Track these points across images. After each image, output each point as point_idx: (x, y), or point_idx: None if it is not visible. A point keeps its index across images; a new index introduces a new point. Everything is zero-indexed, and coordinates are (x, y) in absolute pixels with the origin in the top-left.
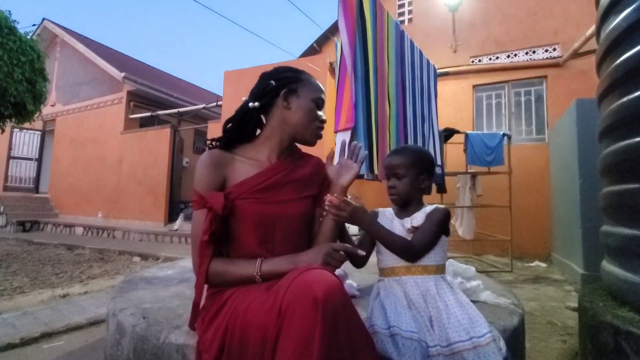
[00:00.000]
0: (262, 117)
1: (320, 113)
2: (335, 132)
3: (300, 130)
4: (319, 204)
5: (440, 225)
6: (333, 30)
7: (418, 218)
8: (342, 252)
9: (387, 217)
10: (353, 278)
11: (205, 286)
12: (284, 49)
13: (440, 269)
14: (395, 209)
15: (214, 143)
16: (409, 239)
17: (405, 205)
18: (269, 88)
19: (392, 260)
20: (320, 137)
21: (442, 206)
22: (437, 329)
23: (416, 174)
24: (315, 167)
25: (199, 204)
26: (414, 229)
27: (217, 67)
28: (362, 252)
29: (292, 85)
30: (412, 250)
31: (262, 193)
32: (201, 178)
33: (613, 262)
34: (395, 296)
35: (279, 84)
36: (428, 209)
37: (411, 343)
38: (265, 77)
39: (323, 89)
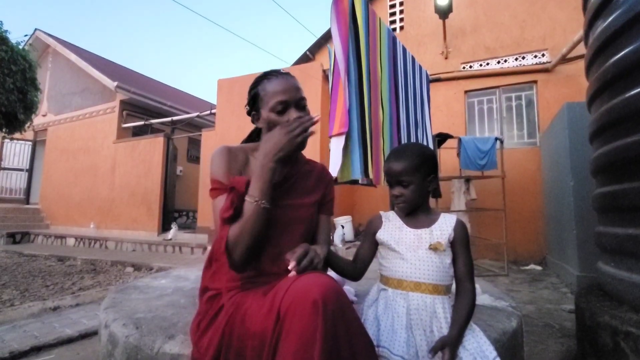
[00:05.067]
0: None
1: (289, 115)
2: (330, 137)
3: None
4: (322, 210)
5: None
6: (326, 38)
7: (441, 232)
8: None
9: (395, 225)
10: (350, 284)
11: (200, 293)
12: (278, 57)
13: (449, 290)
14: (399, 212)
15: None
16: (430, 254)
17: (412, 211)
18: (247, 112)
19: (400, 272)
20: (302, 143)
21: (458, 218)
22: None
23: (422, 177)
24: (320, 174)
25: (218, 191)
26: (437, 247)
27: (211, 75)
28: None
29: (255, 104)
30: (475, 298)
31: (277, 197)
32: (219, 166)
33: (608, 262)
34: (395, 312)
35: (249, 106)
36: (448, 220)
37: None
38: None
39: (285, 84)
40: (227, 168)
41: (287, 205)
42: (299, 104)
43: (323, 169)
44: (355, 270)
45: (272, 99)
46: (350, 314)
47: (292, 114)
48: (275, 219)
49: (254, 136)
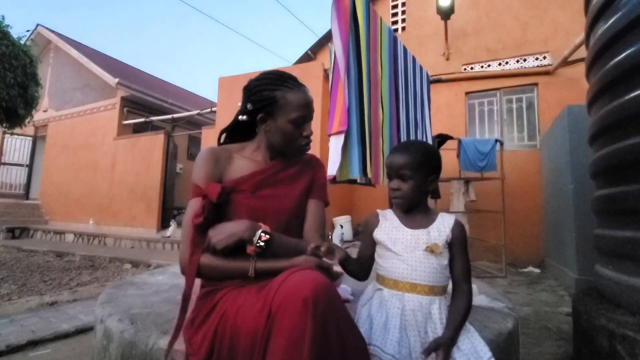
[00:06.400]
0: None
1: (303, 129)
2: (329, 135)
3: (282, 150)
4: (312, 194)
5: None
6: (328, 37)
7: (439, 233)
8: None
9: (392, 224)
10: (347, 282)
11: (196, 289)
12: (280, 55)
13: (445, 290)
14: (396, 211)
15: None
16: (427, 256)
17: (409, 209)
18: (247, 110)
19: (396, 272)
20: (304, 150)
21: (456, 218)
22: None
23: (424, 175)
24: (308, 163)
25: (194, 194)
26: (433, 249)
27: (212, 73)
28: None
29: (268, 108)
30: (471, 300)
31: (256, 188)
32: (200, 171)
33: (606, 265)
34: (389, 311)
35: (255, 107)
36: (446, 221)
37: None
38: (245, 94)
39: (307, 98)
40: (206, 174)
41: (273, 196)
42: (312, 117)
43: (311, 157)
44: (362, 270)
45: (295, 111)
46: (341, 311)
47: (307, 128)
48: (259, 208)
49: (244, 130)
